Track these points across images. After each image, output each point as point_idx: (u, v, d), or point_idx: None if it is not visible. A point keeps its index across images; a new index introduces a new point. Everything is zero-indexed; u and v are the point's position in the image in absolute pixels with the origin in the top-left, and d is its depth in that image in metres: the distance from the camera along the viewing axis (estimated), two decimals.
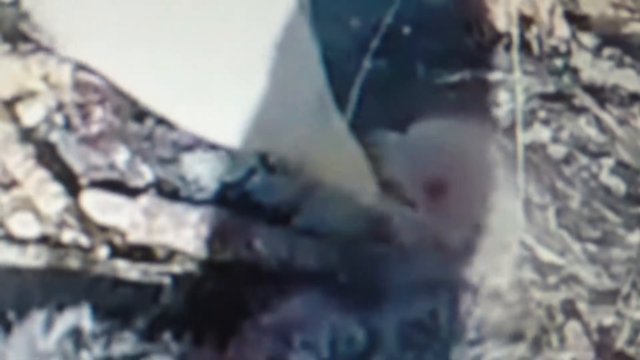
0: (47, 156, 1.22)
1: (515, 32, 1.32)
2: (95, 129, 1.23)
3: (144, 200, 1.21)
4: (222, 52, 1.23)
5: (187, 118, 1.23)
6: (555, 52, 1.36)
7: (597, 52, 1.37)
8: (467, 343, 1.11)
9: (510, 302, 1.18)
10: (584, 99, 1.34)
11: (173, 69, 1.23)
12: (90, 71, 1.24)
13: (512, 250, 1.19)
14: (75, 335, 1.09)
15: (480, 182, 1.17)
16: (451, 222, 1.18)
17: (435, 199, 1.20)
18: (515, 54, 1.30)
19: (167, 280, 1.19)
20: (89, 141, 1.23)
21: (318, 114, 1.24)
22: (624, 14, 1.40)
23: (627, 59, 1.37)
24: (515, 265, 1.21)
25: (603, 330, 1.26)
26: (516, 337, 1.16)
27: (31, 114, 1.23)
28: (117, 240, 1.21)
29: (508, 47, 1.34)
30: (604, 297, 1.27)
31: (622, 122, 1.34)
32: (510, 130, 1.29)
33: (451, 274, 1.15)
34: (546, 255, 1.26)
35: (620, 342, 1.26)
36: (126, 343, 1.09)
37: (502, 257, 1.18)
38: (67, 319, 1.10)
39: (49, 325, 1.09)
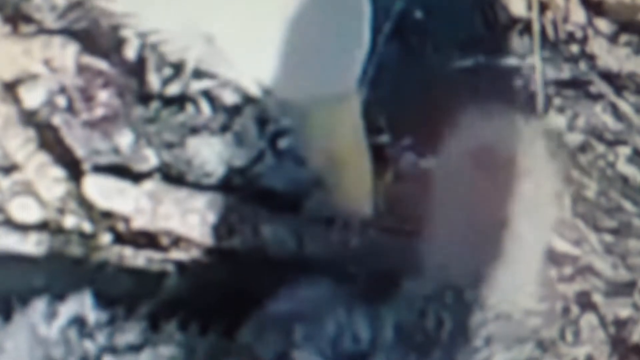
0: (49, 140, 1.20)
1: (535, 16, 1.30)
2: (98, 112, 1.22)
3: (148, 185, 1.19)
4: None
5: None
6: (571, 38, 1.35)
7: (613, 38, 1.35)
8: (474, 348, 1.09)
9: (532, 313, 1.16)
10: (600, 86, 1.32)
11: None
12: (94, 54, 1.23)
13: (539, 256, 1.17)
14: (79, 323, 1.07)
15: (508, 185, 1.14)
16: (475, 224, 1.15)
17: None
18: (537, 39, 1.29)
19: (171, 268, 1.18)
20: (92, 124, 1.21)
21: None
22: None
23: None
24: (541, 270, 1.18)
25: (619, 323, 1.25)
26: (525, 338, 1.14)
27: (33, 97, 1.21)
28: (121, 226, 1.19)
29: (523, 32, 1.33)
30: (620, 289, 1.26)
31: (639, 110, 1.32)
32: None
33: (468, 277, 1.13)
34: (561, 246, 1.25)
35: (636, 336, 1.25)
36: (131, 332, 1.07)
37: (529, 263, 1.15)
38: (69, 307, 1.08)
39: (51, 313, 1.07)
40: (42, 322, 1.07)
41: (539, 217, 1.17)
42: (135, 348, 1.07)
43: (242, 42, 1.18)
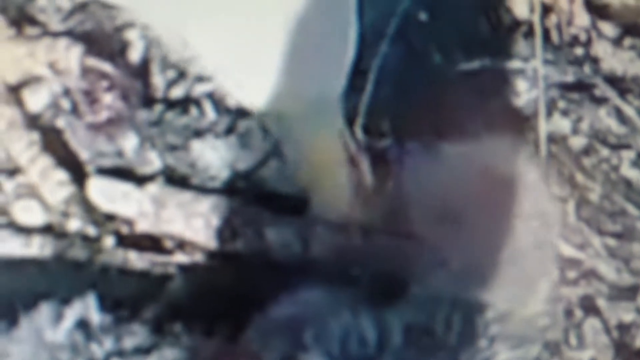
0: (53, 142, 1.20)
1: (537, 19, 1.30)
2: (103, 115, 1.21)
3: (152, 188, 1.19)
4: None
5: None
6: (575, 41, 1.34)
7: (618, 41, 1.35)
8: (477, 348, 1.09)
9: (540, 314, 1.16)
10: (604, 90, 1.32)
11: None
12: (99, 57, 1.23)
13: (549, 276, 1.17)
14: (84, 327, 1.07)
15: (512, 196, 1.15)
16: (483, 238, 1.15)
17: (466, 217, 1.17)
18: (538, 42, 1.28)
19: (175, 271, 1.17)
20: (96, 127, 1.21)
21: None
22: None
23: None
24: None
25: (623, 328, 1.24)
26: (531, 340, 1.14)
27: (37, 100, 1.21)
28: (124, 229, 1.19)
29: (527, 35, 1.32)
30: (624, 293, 1.25)
31: None
32: (530, 121, 1.27)
33: (476, 286, 1.13)
34: (565, 250, 1.24)
35: None
36: (137, 335, 1.07)
37: (538, 284, 1.16)
38: (74, 311, 1.08)
39: (56, 317, 1.07)
40: (48, 326, 1.06)
41: (542, 221, 1.17)
42: (143, 351, 1.07)
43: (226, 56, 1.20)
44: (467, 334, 1.08)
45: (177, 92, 1.23)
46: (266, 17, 1.22)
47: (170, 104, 1.23)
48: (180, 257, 1.18)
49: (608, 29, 1.35)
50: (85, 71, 1.22)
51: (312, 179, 1.21)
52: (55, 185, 1.18)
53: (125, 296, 1.14)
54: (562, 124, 1.30)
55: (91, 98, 1.21)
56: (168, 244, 1.19)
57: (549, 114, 1.29)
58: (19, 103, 1.20)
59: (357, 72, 1.25)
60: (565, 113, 1.30)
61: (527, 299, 1.14)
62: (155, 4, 1.23)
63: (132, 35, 1.24)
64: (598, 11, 1.36)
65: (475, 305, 1.09)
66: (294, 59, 1.21)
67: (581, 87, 1.32)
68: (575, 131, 1.29)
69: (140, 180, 1.20)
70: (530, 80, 1.30)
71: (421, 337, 1.08)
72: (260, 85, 1.22)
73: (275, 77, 1.22)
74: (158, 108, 1.22)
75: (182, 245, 1.19)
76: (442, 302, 1.09)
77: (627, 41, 1.35)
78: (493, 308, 1.10)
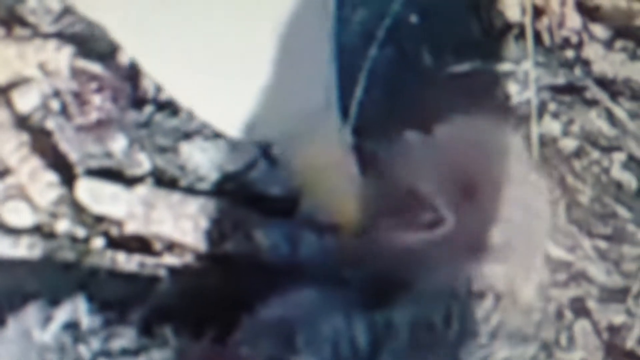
0: (42, 144, 1.20)
1: (528, 21, 1.30)
2: (92, 116, 1.21)
3: (141, 190, 1.19)
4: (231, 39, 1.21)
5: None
6: (566, 43, 1.34)
7: (609, 44, 1.35)
8: (477, 345, 1.09)
9: (533, 308, 1.16)
10: (595, 92, 1.32)
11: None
12: (88, 58, 1.23)
13: (541, 252, 1.18)
14: (72, 329, 1.07)
15: (508, 181, 1.15)
16: (482, 226, 1.16)
17: (465, 203, 1.17)
18: (530, 44, 1.28)
19: (164, 273, 1.17)
20: (86, 129, 1.21)
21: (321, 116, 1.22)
22: (637, 5, 1.38)
23: None
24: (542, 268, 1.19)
25: (613, 329, 1.24)
26: (528, 338, 1.14)
27: (26, 101, 1.21)
28: (114, 231, 1.19)
29: (518, 38, 1.32)
30: (614, 295, 1.25)
31: (634, 116, 1.32)
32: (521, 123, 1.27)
33: (474, 277, 1.13)
34: (555, 252, 1.24)
35: (630, 342, 1.24)
36: (124, 337, 1.07)
37: (532, 260, 1.16)
38: (63, 312, 1.08)
39: (45, 319, 1.07)
40: (36, 327, 1.06)
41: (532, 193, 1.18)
42: (131, 353, 1.07)
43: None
44: (467, 330, 1.08)
45: (166, 94, 1.23)
46: (253, 24, 1.22)
47: (160, 106, 1.23)
48: (169, 259, 1.18)
49: (599, 31, 1.35)
50: (75, 72, 1.22)
51: (304, 183, 1.21)
52: (45, 186, 1.18)
53: (114, 298, 1.14)
54: (553, 127, 1.29)
55: (81, 99, 1.21)
56: (157, 245, 1.19)
57: (540, 116, 1.29)
58: (9, 104, 1.20)
59: (347, 76, 1.25)
60: (555, 115, 1.30)
61: (522, 280, 1.14)
62: (142, 9, 1.23)
63: None
64: (589, 13, 1.36)
65: (474, 295, 1.09)
66: (284, 64, 1.21)
67: (572, 89, 1.32)
68: (565, 133, 1.29)
69: (130, 181, 1.20)
70: (521, 83, 1.30)
71: (420, 335, 1.08)
72: (250, 91, 1.22)
73: (264, 83, 1.22)
74: (147, 110, 1.22)
75: (171, 246, 1.19)
76: (441, 298, 1.09)
77: (619, 43, 1.35)
78: (492, 291, 1.10)
